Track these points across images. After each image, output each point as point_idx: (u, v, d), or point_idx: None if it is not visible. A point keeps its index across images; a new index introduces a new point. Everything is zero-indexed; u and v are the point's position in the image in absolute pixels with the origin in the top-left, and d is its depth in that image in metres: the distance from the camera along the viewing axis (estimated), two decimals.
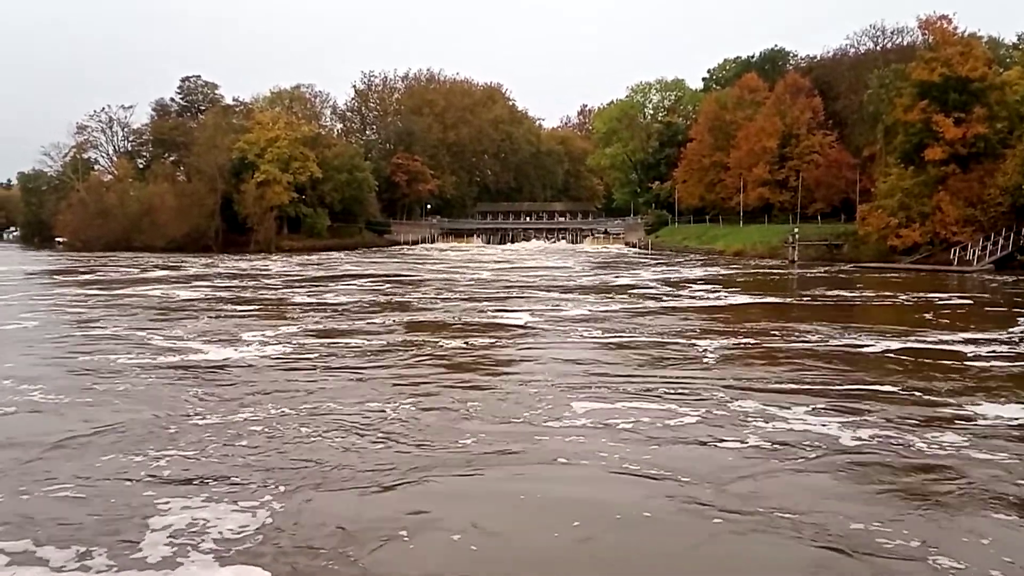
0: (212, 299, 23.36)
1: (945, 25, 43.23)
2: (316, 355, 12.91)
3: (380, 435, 7.98)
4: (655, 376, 10.95)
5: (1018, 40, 56.05)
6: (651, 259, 53.41)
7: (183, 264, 45.82)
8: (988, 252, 38.69)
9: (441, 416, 8.72)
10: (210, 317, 18.48)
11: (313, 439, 7.81)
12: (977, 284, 30.07)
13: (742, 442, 7.65)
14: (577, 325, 16.94)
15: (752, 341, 14.44)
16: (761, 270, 39.96)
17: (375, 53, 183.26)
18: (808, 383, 10.52)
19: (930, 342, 14.27)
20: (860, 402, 9.32)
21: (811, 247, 48.63)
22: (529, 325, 16.92)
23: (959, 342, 14.23)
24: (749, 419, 8.50)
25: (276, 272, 38.84)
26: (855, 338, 14.65)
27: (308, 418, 8.61)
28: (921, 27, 46.69)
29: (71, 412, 8.95)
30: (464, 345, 14.06)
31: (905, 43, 59.88)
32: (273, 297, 24.59)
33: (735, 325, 17.14)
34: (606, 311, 19.83)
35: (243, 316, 18.89)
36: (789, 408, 8.98)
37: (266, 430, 8.11)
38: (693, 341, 14.40)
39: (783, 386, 10.31)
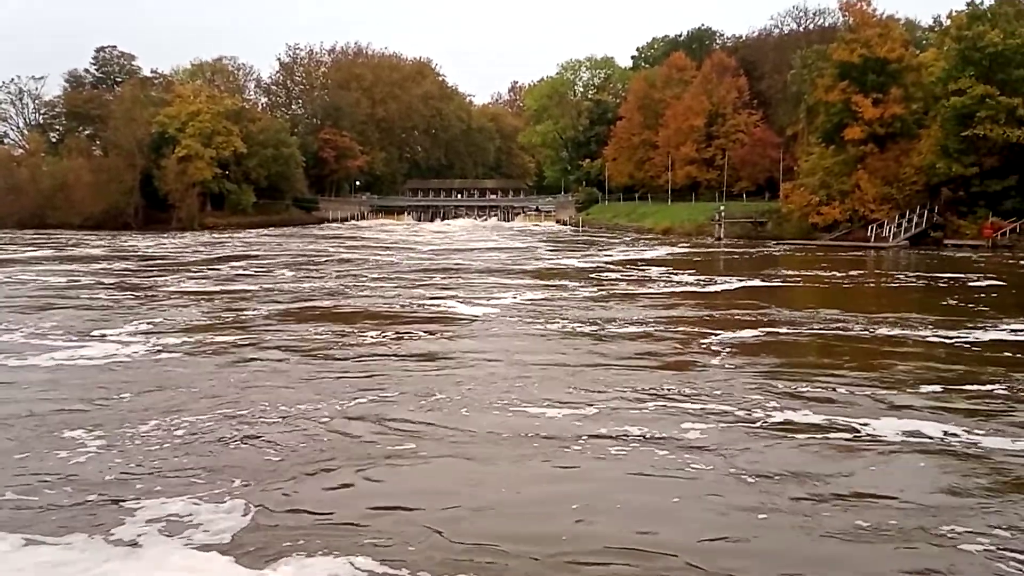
0: (93, 285, 21.31)
1: (864, 7, 44.61)
2: (211, 351, 11.57)
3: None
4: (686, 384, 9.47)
5: (933, 23, 58.25)
6: (589, 237, 52.94)
7: (85, 242, 43.47)
8: (904, 229, 40.33)
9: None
10: (79, 308, 16.45)
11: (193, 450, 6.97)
12: (966, 262, 28.91)
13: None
14: (563, 315, 15.22)
15: (813, 332, 13.18)
16: (701, 249, 39.80)
17: (300, 26, 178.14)
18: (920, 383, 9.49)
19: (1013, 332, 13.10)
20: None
21: (736, 224, 49.62)
22: (488, 316, 15.22)
23: None
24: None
25: (189, 250, 37.16)
26: (916, 330, 13.21)
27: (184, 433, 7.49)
28: (842, 8, 48.21)
29: None
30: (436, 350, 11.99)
31: (827, 24, 61.85)
32: (172, 281, 22.44)
33: (757, 315, 15.21)
34: (588, 297, 18.44)
35: (119, 305, 16.98)
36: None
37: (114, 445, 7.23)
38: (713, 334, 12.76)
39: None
